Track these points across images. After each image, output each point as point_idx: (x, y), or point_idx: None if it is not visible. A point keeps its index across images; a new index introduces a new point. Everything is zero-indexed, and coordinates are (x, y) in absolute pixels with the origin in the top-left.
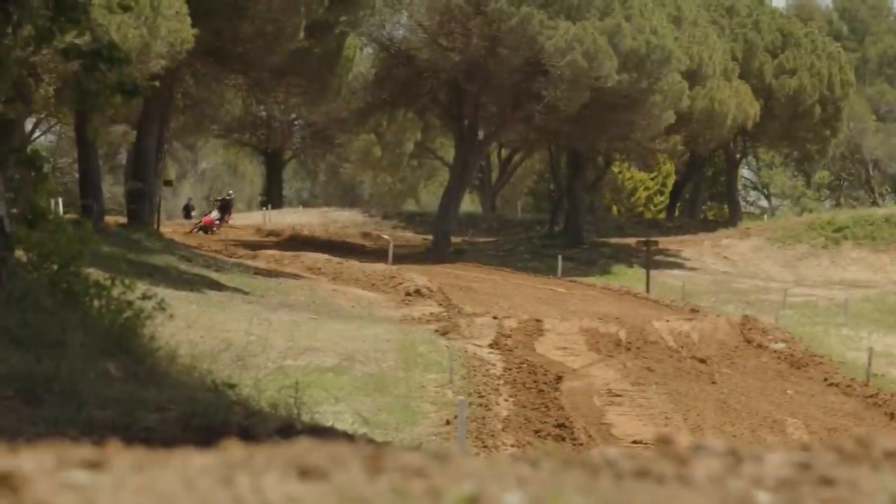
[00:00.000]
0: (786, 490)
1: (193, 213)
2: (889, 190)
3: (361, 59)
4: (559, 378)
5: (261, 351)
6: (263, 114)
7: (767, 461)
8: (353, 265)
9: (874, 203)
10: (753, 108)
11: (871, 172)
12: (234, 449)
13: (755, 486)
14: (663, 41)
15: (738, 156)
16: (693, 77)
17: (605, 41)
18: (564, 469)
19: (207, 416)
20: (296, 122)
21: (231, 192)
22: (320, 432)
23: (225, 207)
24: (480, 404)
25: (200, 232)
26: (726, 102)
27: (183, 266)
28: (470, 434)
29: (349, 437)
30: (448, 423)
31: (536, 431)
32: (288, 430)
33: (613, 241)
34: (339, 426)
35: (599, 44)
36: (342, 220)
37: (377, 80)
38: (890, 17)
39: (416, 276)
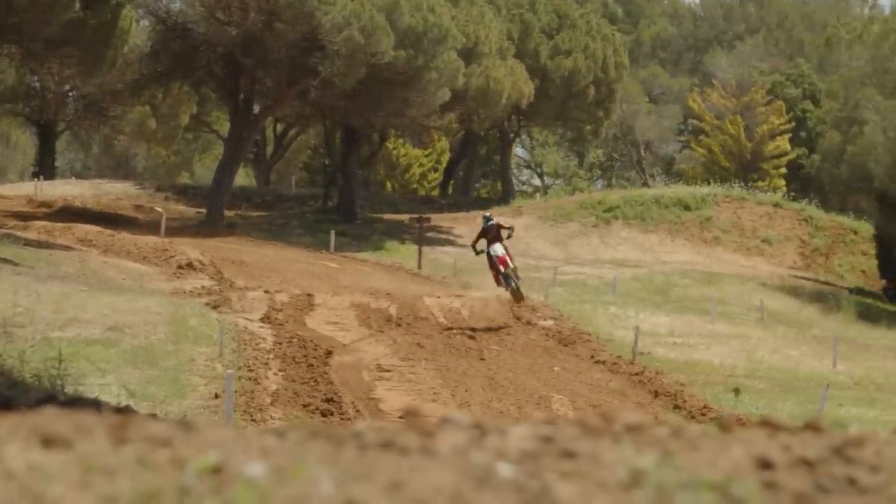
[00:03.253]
0: (528, 462)
1: None
2: (660, 171)
3: (138, 31)
4: (329, 353)
5: (28, 322)
6: (37, 84)
7: (511, 434)
8: (125, 237)
9: (645, 184)
10: (528, 88)
11: (643, 154)
12: None
13: (498, 458)
14: (440, 19)
15: (512, 135)
16: (469, 56)
17: (383, 18)
18: (310, 440)
19: None
20: (70, 94)
21: None
22: (83, 404)
23: None
24: (250, 378)
25: None
26: (501, 81)
27: None
28: (238, 408)
29: (98, 407)
30: (217, 396)
31: (305, 406)
32: (50, 401)
33: (387, 217)
34: (106, 398)
35: (376, 20)
36: (115, 192)
37: (153, 53)
38: (664, 1)
39: (189, 249)
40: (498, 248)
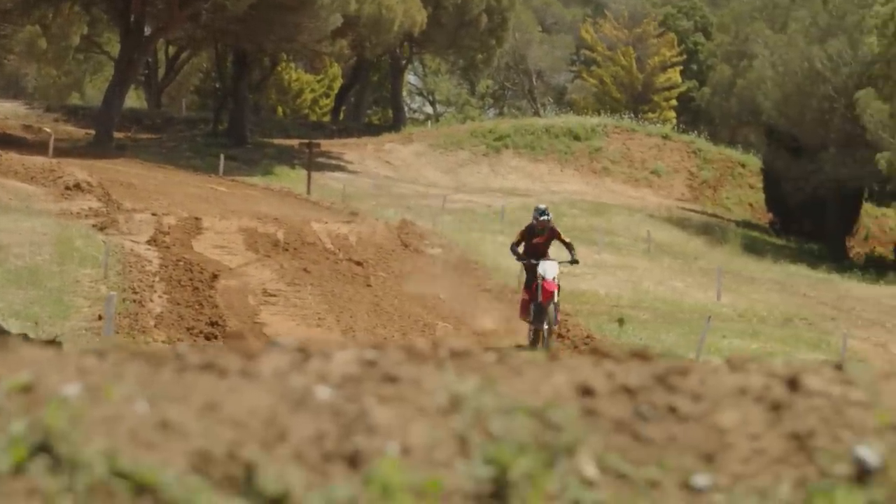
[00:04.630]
0: (348, 386)
1: None
2: (551, 101)
3: None
4: (215, 276)
5: None
6: None
7: (336, 358)
8: (13, 157)
9: (536, 113)
10: (420, 16)
11: (535, 83)
12: None
13: (319, 381)
14: None
15: (403, 62)
16: None
17: None
18: (130, 361)
19: None
20: None
21: None
22: None
23: None
24: (134, 300)
25: None
26: (393, 8)
27: None
28: (122, 329)
29: None
30: (100, 318)
31: (189, 329)
32: None
33: (277, 142)
34: None
35: None
36: (3, 112)
37: None
38: None
39: (77, 170)
40: (549, 270)
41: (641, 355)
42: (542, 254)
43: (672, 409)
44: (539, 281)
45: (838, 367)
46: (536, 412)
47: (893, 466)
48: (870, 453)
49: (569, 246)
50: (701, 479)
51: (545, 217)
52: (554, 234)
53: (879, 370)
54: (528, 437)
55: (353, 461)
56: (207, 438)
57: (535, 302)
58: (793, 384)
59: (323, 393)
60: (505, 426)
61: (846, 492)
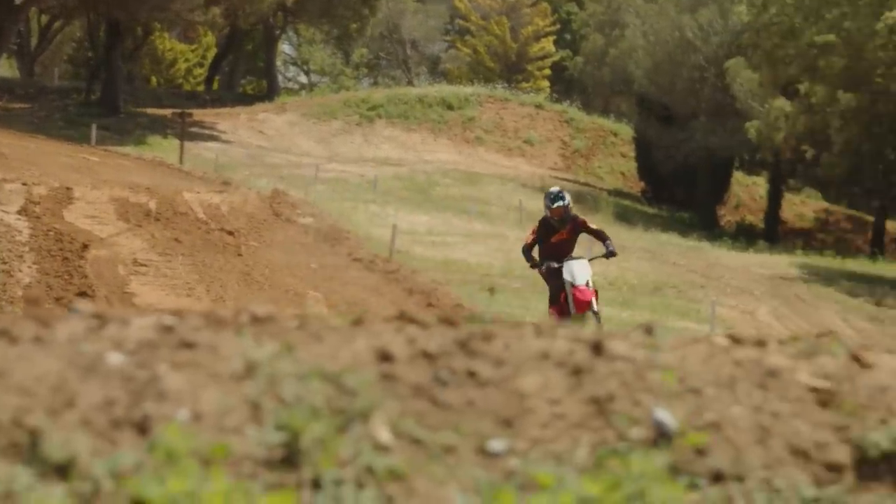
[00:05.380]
0: (143, 352)
1: None
2: (425, 70)
3: None
4: (85, 246)
5: None
6: None
7: (133, 324)
8: None
9: (410, 83)
10: None
11: (409, 53)
12: None
13: (113, 347)
14: None
15: (277, 31)
16: None
17: None
18: None
19: None
20: None
21: None
22: None
23: None
24: (3, 270)
25: None
26: None
27: None
28: None
29: None
30: None
31: (58, 299)
32: None
33: (150, 111)
34: None
35: None
36: None
37: None
38: None
39: None
40: (579, 272)
41: (449, 321)
42: (565, 255)
43: (472, 374)
44: (568, 289)
45: (648, 331)
46: (331, 377)
47: (690, 429)
48: (668, 416)
49: (600, 236)
50: (497, 444)
51: (561, 203)
52: (578, 226)
53: (686, 336)
54: (321, 403)
55: (142, 428)
56: None
57: (570, 317)
58: (597, 349)
59: (114, 359)
60: (299, 392)
61: (642, 455)
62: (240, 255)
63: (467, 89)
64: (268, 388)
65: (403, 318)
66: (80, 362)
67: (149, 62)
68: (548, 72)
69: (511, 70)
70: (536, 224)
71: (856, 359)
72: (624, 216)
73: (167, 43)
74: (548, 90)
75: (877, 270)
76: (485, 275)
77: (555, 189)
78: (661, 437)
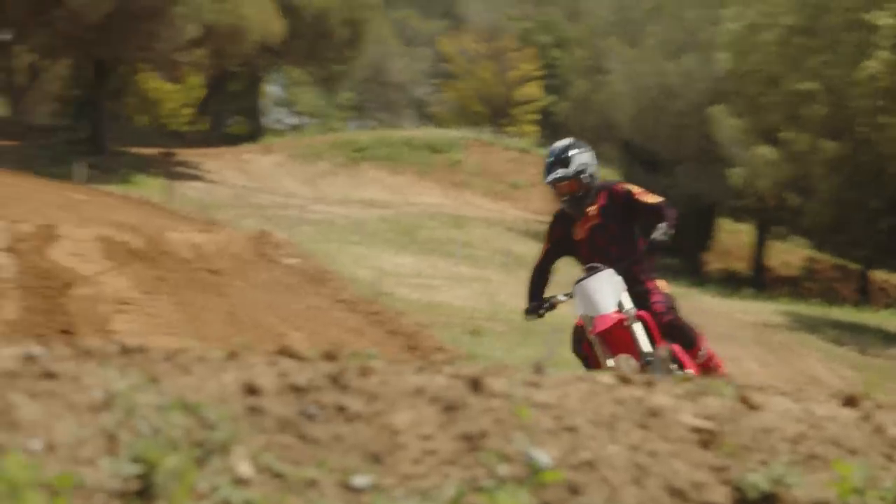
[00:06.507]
0: (1, 381)
1: None
2: (411, 114)
3: None
4: (69, 285)
5: None
6: None
7: None
8: None
9: (395, 126)
10: (278, 26)
11: (394, 96)
12: None
13: None
14: None
15: (262, 73)
16: None
17: None
18: None
19: None
20: None
21: None
22: None
23: None
24: None
25: None
26: (250, 18)
27: None
28: None
29: None
30: None
31: (40, 336)
32: None
33: (136, 150)
34: None
35: None
36: None
37: None
38: None
39: None
40: (597, 293)
41: (330, 356)
42: (607, 256)
43: (341, 409)
44: (590, 332)
45: (537, 369)
46: (192, 409)
47: (564, 468)
48: (541, 454)
49: (656, 211)
50: (361, 480)
51: (574, 170)
52: (617, 199)
53: (571, 375)
54: (180, 435)
55: None
56: None
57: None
58: (475, 385)
59: None
60: (157, 423)
61: (509, 493)
62: (224, 294)
63: (453, 133)
64: (126, 419)
65: (283, 352)
66: None
67: (135, 101)
68: (534, 116)
69: (497, 114)
70: (551, 223)
71: (744, 400)
72: None
73: (153, 82)
74: (535, 134)
75: (862, 319)
76: (469, 318)
77: (560, 144)
78: (533, 475)
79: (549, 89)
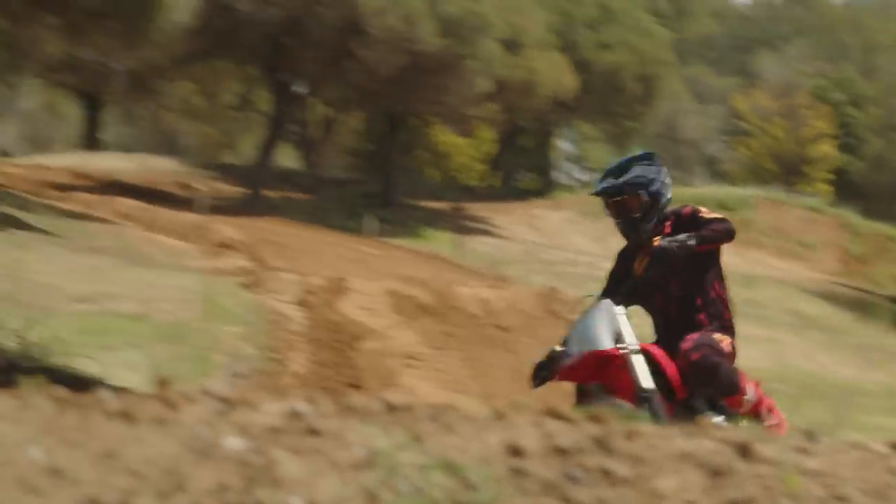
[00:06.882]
0: (265, 438)
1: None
2: (702, 171)
3: (178, 6)
4: (358, 338)
5: (56, 293)
6: (84, 56)
7: (262, 410)
8: (165, 213)
9: (688, 183)
10: (570, 81)
11: (687, 152)
12: None
13: (238, 432)
14: (481, 7)
15: (553, 128)
16: (511, 46)
17: (424, 5)
18: (57, 407)
19: None
20: (115, 67)
21: None
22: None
23: None
24: (275, 359)
25: None
26: (542, 73)
27: None
28: (261, 388)
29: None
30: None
31: (328, 389)
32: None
33: (426, 204)
34: (129, 374)
35: (417, 7)
36: (159, 168)
37: (196, 29)
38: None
39: (228, 228)
40: (597, 330)
41: (596, 418)
42: (681, 299)
43: (606, 473)
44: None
45: (808, 435)
46: (455, 470)
47: None
48: None
49: (704, 224)
50: None
51: (624, 180)
52: (685, 223)
53: (844, 442)
54: (441, 495)
55: None
56: (100, 486)
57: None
58: (744, 451)
59: (232, 444)
60: (419, 483)
61: None
62: (512, 351)
63: (744, 191)
64: (387, 479)
65: (549, 413)
66: (196, 446)
67: (425, 155)
68: (828, 175)
69: (789, 172)
70: (616, 257)
71: None
72: None
73: (444, 136)
74: (828, 193)
75: None
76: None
77: (614, 162)
78: None
79: (844, 148)
